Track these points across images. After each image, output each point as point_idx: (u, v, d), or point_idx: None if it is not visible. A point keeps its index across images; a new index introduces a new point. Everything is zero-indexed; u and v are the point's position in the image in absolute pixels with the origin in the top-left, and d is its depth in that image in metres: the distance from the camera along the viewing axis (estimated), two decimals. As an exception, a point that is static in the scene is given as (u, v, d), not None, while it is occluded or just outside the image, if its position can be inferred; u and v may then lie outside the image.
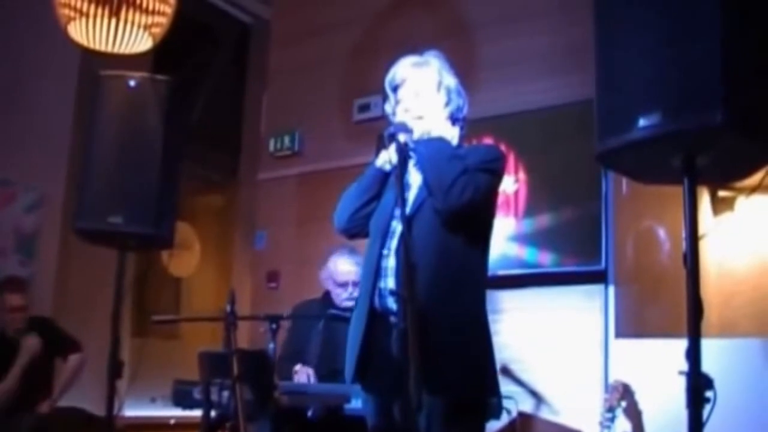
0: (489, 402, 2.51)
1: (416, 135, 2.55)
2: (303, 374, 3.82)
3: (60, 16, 3.48)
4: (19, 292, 4.53)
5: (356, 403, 3.23)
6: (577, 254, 4.25)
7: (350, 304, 3.89)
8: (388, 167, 2.57)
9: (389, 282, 2.44)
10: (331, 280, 4.07)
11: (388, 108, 2.69)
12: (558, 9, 4.60)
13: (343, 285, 4.00)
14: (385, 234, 2.51)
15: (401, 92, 2.63)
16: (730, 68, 1.77)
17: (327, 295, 4.11)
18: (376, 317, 2.47)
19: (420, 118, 2.55)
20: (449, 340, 2.34)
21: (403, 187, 2.29)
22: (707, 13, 1.81)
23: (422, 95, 2.59)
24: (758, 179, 2.01)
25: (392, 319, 2.40)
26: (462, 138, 2.68)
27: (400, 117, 2.57)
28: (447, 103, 2.61)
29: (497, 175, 2.57)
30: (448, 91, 2.61)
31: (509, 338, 4.23)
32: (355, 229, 2.68)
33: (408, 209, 2.36)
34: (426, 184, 2.48)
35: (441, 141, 2.52)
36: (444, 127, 2.59)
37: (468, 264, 2.48)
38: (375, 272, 2.47)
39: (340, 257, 4.05)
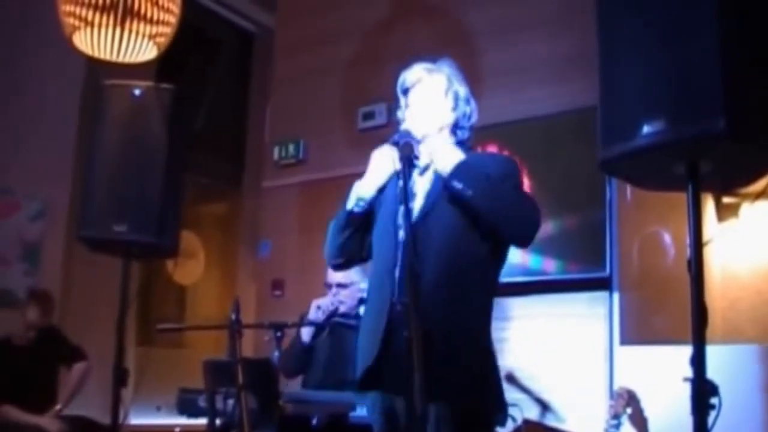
0: (496, 414, 2.48)
1: (417, 137, 2.55)
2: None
3: (65, 25, 3.49)
4: (40, 309, 4.57)
5: (361, 411, 3.23)
6: (581, 261, 4.25)
7: (342, 308, 3.93)
8: (358, 209, 2.58)
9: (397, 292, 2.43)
10: (324, 285, 4.11)
11: (400, 114, 2.69)
12: (559, 17, 4.61)
13: (329, 286, 4.04)
14: (394, 245, 2.49)
15: (410, 96, 2.64)
16: (733, 75, 1.78)
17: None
18: (392, 328, 2.44)
19: (422, 121, 2.55)
20: (452, 349, 2.33)
21: (407, 196, 2.28)
22: (707, 20, 1.81)
23: (429, 99, 2.59)
24: (762, 185, 2.01)
25: (404, 331, 2.37)
26: (468, 145, 2.67)
27: (407, 122, 2.57)
28: (453, 108, 2.61)
29: (519, 182, 2.59)
30: (456, 97, 2.61)
31: (514, 345, 4.22)
32: (346, 262, 2.73)
33: (414, 218, 2.35)
34: (488, 220, 2.42)
35: (468, 165, 2.45)
36: (444, 134, 2.59)
37: (478, 271, 2.45)
38: (388, 283, 2.46)
39: None
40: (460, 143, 2.63)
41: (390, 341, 2.42)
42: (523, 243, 2.50)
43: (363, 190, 2.57)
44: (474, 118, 2.64)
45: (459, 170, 2.41)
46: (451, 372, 2.29)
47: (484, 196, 2.40)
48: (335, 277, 4.01)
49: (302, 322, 4.10)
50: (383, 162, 2.52)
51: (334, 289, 4.00)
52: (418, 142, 2.56)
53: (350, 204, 2.59)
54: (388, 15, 5.48)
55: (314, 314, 3.90)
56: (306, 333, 3.92)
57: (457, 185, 2.40)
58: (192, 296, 6.66)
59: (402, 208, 2.30)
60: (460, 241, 2.44)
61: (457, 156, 2.44)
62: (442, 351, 2.25)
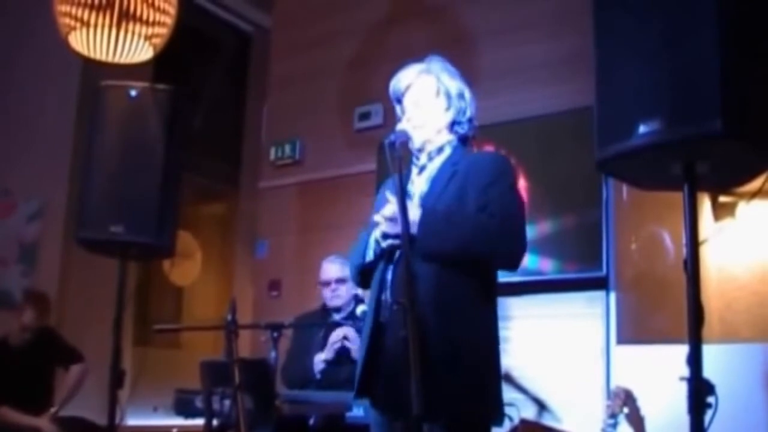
0: (493, 418, 2.46)
1: (417, 144, 2.55)
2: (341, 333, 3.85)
3: (61, 25, 3.49)
4: (36, 310, 4.56)
5: (357, 411, 3.23)
6: (578, 261, 4.26)
7: (337, 303, 3.94)
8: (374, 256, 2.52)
9: (390, 294, 2.43)
10: (319, 284, 4.11)
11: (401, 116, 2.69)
12: (556, 17, 4.62)
13: (326, 284, 4.05)
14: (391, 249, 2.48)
15: (404, 102, 2.63)
16: (729, 76, 1.78)
17: (324, 305, 4.13)
18: (381, 329, 2.44)
19: (419, 127, 2.54)
20: (449, 355, 2.30)
21: (404, 197, 2.27)
22: (706, 20, 1.82)
23: (421, 103, 2.58)
24: (759, 185, 2.01)
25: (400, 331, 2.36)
26: (472, 139, 2.67)
27: (402, 125, 2.57)
28: (447, 108, 2.60)
29: (513, 181, 2.55)
30: (448, 96, 2.59)
31: (511, 345, 4.22)
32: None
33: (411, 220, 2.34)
34: (469, 262, 2.41)
35: (429, 220, 2.38)
36: (443, 134, 2.59)
37: (475, 270, 2.43)
38: (379, 285, 2.46)
39: (325, 261, 4.14)
40: (463, 139, 2.63)
41: (380, 342, 2.41)
42: (510, 269, 2.50)
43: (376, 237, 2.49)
44: (471, 112, 2.62)
45: (422, 231, 2.35)
46: (448, 381, 2.27)
47: (455, 248, 2.37)
48: (332, 273, 4.03)
49: (297, 324, 4.12)
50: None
51: (333, 285, 4.02)
52: (419, 150, 2.56)
53: (370, 253, 2.53)
54: (385, 16, 5.49)
55: (328, 353, 3.88)
56: (318, 371, 3.90)
57: (428, 248, 2.35)
58: (189, 297, 6.64)
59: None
60: None
61: (415, 215, 2.37)
62: (438, 358, 2.24)
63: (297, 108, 5.79)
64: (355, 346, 3.71)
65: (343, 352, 3.81)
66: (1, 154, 5.35)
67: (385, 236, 2.42)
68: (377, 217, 2.43)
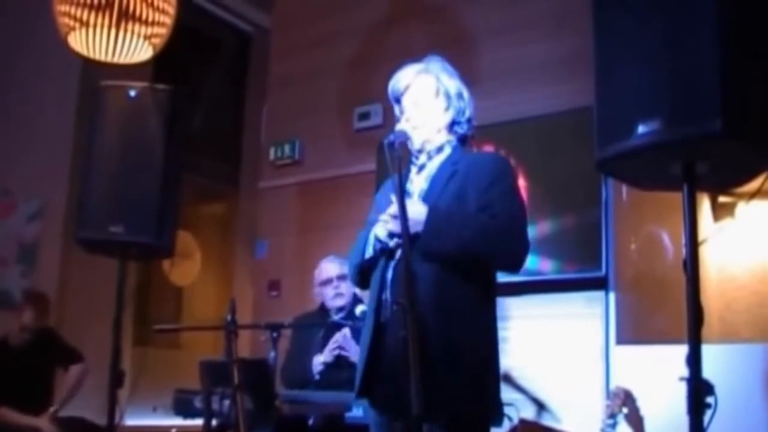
0: (492, 418, 2.46)
1: (416, 144, 2.55)
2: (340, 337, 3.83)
3: (60, 25, 3.49)
4: (35, 310, 4.56)
5: (357, 412, 3.23)
6: (577, 261, 4.26)
7: (341, 302, 3.93)
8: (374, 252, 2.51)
9: (390, 293, 2.42)
10: (318, 285, 4.10)
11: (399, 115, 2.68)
12: (556, 17, 4.62)
13: (327, 282, 4.04)
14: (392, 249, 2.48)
15: (403, 102, 2.63)
16: (729, 76, 1.78)
17: (322, 306, 4.12)
18: (381, 329, 2.44)
19: (419, 127, 2.54)
20: (448, 355, 2.30)
21: (403, 197, 2.27)
22: (706, 20, 1.81)
23: (421, 103, 2.58)
24: (758, 185, 2.01)
25: (400, 331, 2.35)
26: (470, 139, 2.67)
27: (401, 125, 2.56)
28: (447, 108, 2.60)
29: (513, 181, 2.55)
30: (448, 96, 2.59)
31: (510, 345, 4.23)
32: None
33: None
34: (473, 263, 2.41)
35: (435, 219, 2.38)
36: (442, 134, 2.59)
37: (474, 270, 2.43)
38: (380, 284, 2.46)
39: (323, 261, 4.14)
40: (462, 139, 2.62)
41: (381, 342, 2.41)
42: (513, 270, 2.49)
43: (378, 234, 2.49)
44: (470, 112, 2.62)
45: (427, 230, 2.35)
46: (447, 381, 2.27)
47: (456, 247, 2.36)
48: (332, 271, 4.03)
49: (297, 324, 4.12)
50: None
51: (335, 282, 4.01)
52: (419, 150, 2.56)
53: (370, 249, 2.53)
54: (384, 16, 5.49)
55: (327, 357, 3.87)
56: (317, 372, 3.90)
57: (430, 247, 2.35)
58: (188, 297, 6.64)
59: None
60: None
61: (422, 212, 2.37)
62: (437, 358, 2.24)
63: (297, 108, 5.79)
64: (352, 352, 3.72)
65: (340, 357, 3.82)
66: (1, 154, 5.34)
67: (392, 235, 2.41)
68: (384, 216, 2.43)
